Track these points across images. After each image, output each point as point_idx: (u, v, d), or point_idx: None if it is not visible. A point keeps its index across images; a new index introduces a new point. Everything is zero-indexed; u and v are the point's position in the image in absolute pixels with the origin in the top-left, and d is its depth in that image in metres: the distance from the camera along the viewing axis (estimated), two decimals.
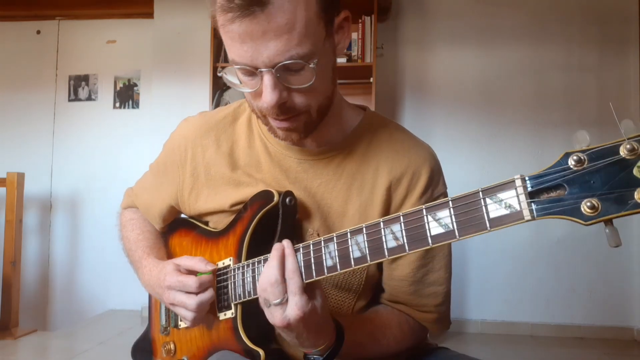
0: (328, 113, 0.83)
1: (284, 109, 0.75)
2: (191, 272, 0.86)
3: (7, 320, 3.10)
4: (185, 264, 0.87)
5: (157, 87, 3.65)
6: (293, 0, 0.68)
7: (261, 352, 0.78)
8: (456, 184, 0.96)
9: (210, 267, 0.85)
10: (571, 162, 0.52)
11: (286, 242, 0.74)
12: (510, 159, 3.44)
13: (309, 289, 0.72)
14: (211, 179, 0.92)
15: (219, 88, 3.37)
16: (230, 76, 0.77)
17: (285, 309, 0.70)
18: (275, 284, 0.71)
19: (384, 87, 3.44)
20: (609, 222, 0.51)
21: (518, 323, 3.35)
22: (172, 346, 0.97)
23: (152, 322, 1.05)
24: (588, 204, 0.50)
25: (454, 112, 3.50)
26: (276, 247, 0.74)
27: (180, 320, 0.95)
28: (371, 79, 3.17)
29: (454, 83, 3.52)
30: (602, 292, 3.31)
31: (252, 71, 0.72)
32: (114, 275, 3.71)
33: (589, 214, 0.50)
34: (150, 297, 1.07)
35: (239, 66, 0.72)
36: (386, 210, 0.86)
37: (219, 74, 0.80)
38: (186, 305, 0.83)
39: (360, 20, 3.19)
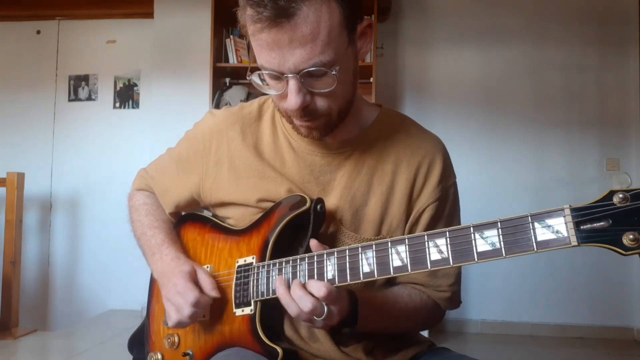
0: (348, 114, 0.88)
1: (307, 112, 0.81)
2: (198, 286, 0.89)
3: (7, 320, 3.10)
4: (199, 276, 0.90)
5: (157, 87, 3.65)
6: (317, 11, 0.73)
7: (280, 350, 0.80)
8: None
9: (214, 294, 0.87)
10: (616, 199, 0.59)
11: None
12: (510, 158, 3.45)
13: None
14: (235, 170, 0.94)
15: (219, 88, 3.38)
16: (256, 79, 0.82)
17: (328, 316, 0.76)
18: (315, 309, 0.75)
19: (384, 87, 3.44)
20: None
21: (518, 323, 3.35)
22: (176, 339, 0.97)
23: (153, 314, 1.04)
24: (630, 236, 0.57)
25: (454, 112, 3.51)
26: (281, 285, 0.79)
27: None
28: (371, 79, 3.17)
29: (454, 83, 3.52)
30: (602, 292, 3.31)
31: (279, 76, 0.77)
32: (114, 275, 3.71)
33: (630, 245, 0.57)
34: (151, 289, 1.07)
35: (267, 71, 0.78)
36: (409, 197, 0.91)
37: (247, 78, 0.85)
38: (181, 308, 0.86)
39: None
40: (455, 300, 0.97)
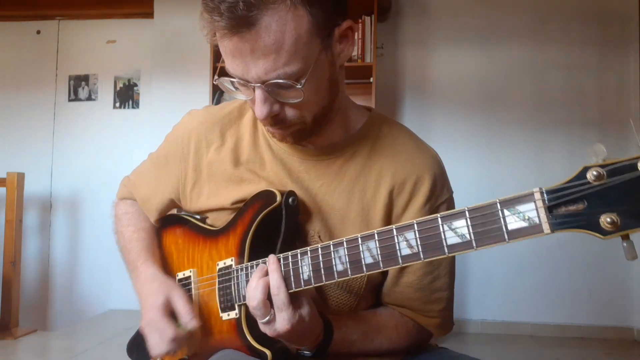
0: (328, 119, 0.84)
1: (277, 120, 0.77)
2: (173, 315, 0.88)
3: (7, 320, 3.10)
4: (175, 306, 0.87)
5: (157, 87, 3.65)
6: (281, 19, 0.68)
7: (268, 352, 0.79)
8: (456, 184, 0.96)
9: (191, 325, 0.85)
10: (590, 176, 0.52)
11: (271, 258, 0.75)
12: (510, 158, 3.44)
13: (295, 298, 0.74)
14: (213, 175, 0.92)
15: (219, 88, 3.37)
16: (228, 84, 0.78)
17: (274, 325, 0.73)
18: (259, 305, 0.73)
19: (384, 87, 3.44)
20: (626, 237, 0.52)
21: (518, 323, 3.35)
22: None
23: None
24: (608, 219, 0.51)
25: (454, 112, 3.50)
26: (260, 267, 0.76)
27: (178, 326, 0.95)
28: (371, 79, 3.16)
29: (454, 83, 3.52)
30: (602, 292, 3.31)
31: (245, 83, 0.74)
32: (114, 275, 3.71)
33: (608, 229, 0.51)
34: None
35: (233, 79, 0.75)
36: (388, 215, 0.86)
37: (214, 82, 0.82)
38: (159, 344, 0.86)
39: (360, 20, 3.20)
40: (446, 326, 0.92)
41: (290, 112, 0.77)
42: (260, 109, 0.74)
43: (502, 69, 3.47)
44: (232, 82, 0.77)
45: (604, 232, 0.52)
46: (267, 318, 0.72)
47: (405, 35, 3.57)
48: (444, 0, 3.56)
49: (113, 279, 3.73)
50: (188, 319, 0.85)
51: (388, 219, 0.86)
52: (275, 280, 0.73)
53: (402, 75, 3.57)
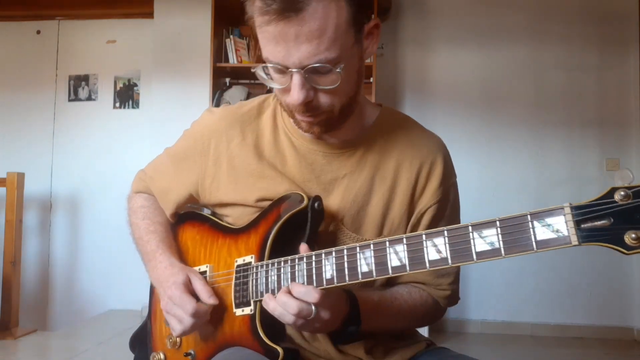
0: (351, 111, 0.88)
1: (309, 107, 0.81)
2: (194, 294, 0.89)
3: (7, 320, 3.10)
4: (194, 285, 0.89)
5: (157, 87, 3.65)
6: (326, 7, 0.73)
7: (280, 350, 0.79)
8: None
9: (211, 301, 0.87)
10: (617, 196, 0.57)
11: (267, 296, 0.80)
12: (510, 158, 3.45)
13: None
14: (234, 169, 0.94)
15: (219, 88, 3.38)
16: (261, 72, 0.82)
17: (319, 312, 0.76)
18: (299, 307, 0.75)
19: (384, 87, 3.45)
20: None
21: (518, 323, 3.35)
22: (177, 339, 0.97)
23: (154, 314, 1.04)
24: (632, 235, 0.56)
25: (454, 112, 3.51)
26: (267, 296, 0.80)
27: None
28: (371, 79, 3.17)
29: (454, 83, 3.52)
30: (602, 292, 3.31)
31: (283, 70, 0.77)
32: (114, 275, 3.71)
33: (633, 244, 0.56)
34: (152, 290, 1.07)
35: (271, 65, 0.78)
36: (410, 197, 0.91)
37: (252, 70, 0.84)
38: (182, 319, 0.87)
39: None
40: (454, 297, 0.97)
41: (323, 99, 0.81)
42: (298, 94, 0.77)
43: (502, 69, 3.48)
44: (266, 71, 0.80)
45: (628, 248, 0.56)
46: (314, 311, 0.75)
47: (405, 35, 3.58)
48: (444, 0, 3.56)
49: (113, 278, 3.73)
50: (207, 296, 0.87)
51: (410, 203, 0.91)
52: (298, 288, 0.76)
53: (402, 75, 3.58)
